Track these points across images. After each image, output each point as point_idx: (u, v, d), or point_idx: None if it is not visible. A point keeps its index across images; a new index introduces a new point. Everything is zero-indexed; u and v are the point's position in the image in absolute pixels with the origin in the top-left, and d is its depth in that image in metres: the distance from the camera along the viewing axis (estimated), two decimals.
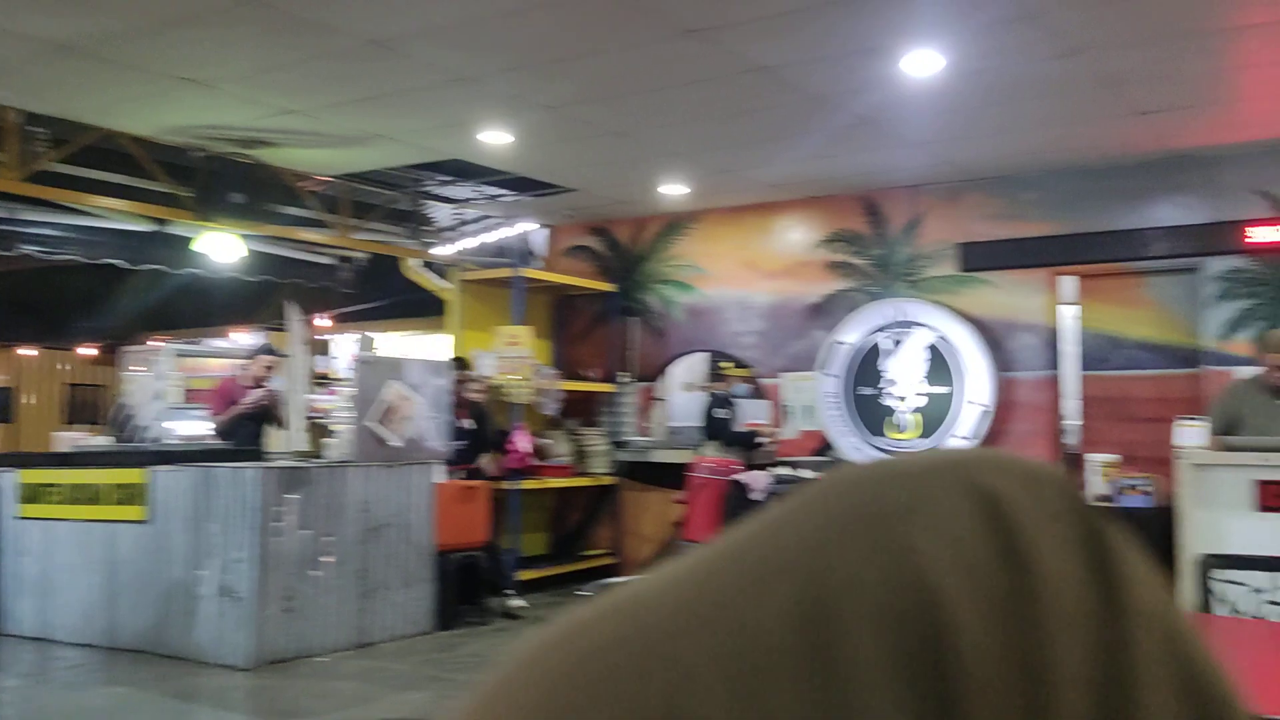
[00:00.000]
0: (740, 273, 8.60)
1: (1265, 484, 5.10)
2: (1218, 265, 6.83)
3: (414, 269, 8.77)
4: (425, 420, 6.72)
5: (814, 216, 8.28)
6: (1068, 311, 7.48)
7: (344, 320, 11.13)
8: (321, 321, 10.87)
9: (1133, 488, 5.61)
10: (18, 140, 6.16)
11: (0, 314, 12.70)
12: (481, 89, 5.48)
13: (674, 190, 8.03)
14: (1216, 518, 5.16)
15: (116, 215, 7.09)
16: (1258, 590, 3.42)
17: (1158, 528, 5.46)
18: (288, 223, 7.53)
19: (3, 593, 6.64)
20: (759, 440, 7.77)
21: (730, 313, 8.64)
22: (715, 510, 7.22)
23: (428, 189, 8.04)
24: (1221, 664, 0.31)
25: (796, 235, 8.37)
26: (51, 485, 6.55)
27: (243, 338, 11.68)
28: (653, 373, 9.00)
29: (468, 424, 7.56)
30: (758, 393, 8.28)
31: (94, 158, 6.52)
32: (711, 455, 7.67)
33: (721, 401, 7.78)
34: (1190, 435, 5.37)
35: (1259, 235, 6.62)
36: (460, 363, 7.73)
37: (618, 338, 9.07)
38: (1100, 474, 5.82)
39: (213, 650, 5.69)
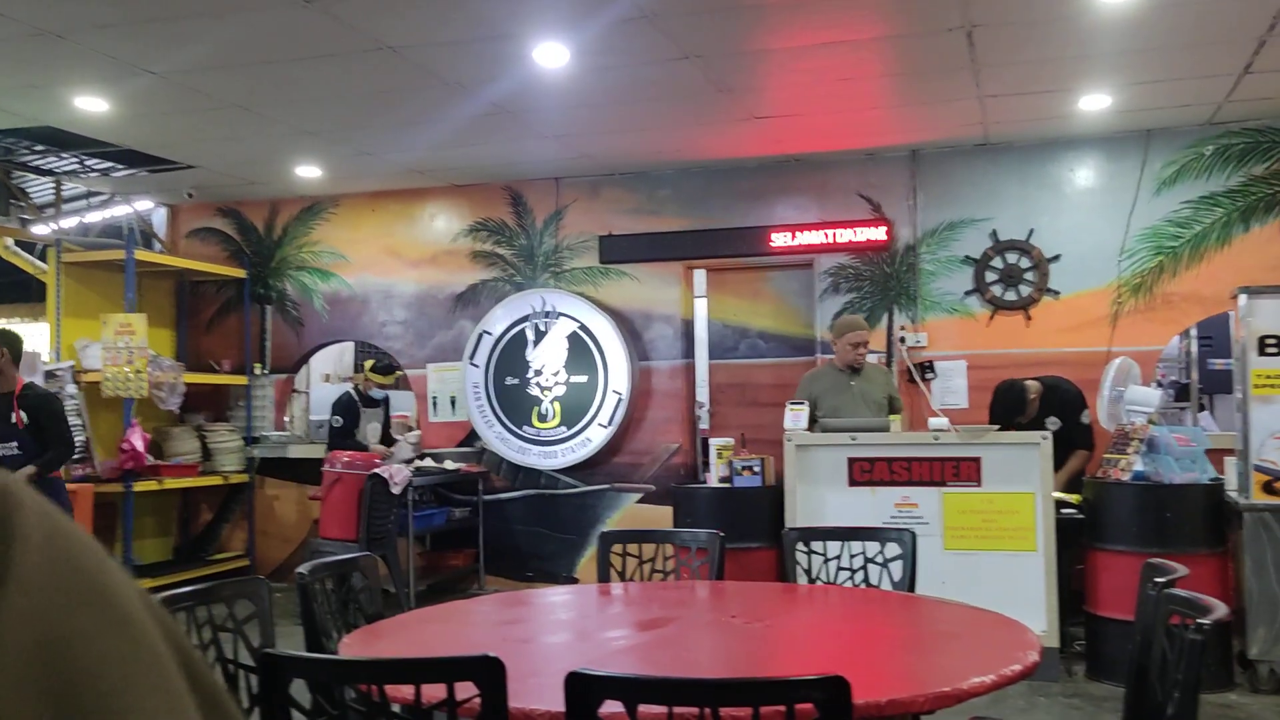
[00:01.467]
0: (384, 260, 8.44)
1: (856, 461, 5.68)
2: (827, 261, 7.46)
3: (8, 248, 7.83)
4: None
5: (459, 204, 8.26)
6: (700, 303, 7.93)
7: None
8: None
9: (747, 469, 6.02)
10: None
11: None
12: (68, 46, 4.96)
13: (309, 172, 7.73)
14: (817, 493, 5.73)
15: None
16: (833, 558, 3.77)
17: (768, 505, 5.89)
18: None
19: None
20: (371, 445, 7.71)
21: (374, 301, 8.47)
22: (354, 506, 7.05)
23: (21, 159, 7.20)
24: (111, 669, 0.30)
25: (441, 223, 8.33)
26: None
27: None
28: (291, 364, 8.67)
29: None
30: (403, 384, 8.25)
31: None
32: (352, 449, 7.50)
33: (346, 405, 7.68)
34: (794, 418, 5.84)
35: (780, 240, 7.44)
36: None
37: (252, 327, 8.63)
38: (718, 457, 6.19)
39: None
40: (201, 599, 2.62)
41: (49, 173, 7.62)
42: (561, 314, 7.90)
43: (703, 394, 7.94)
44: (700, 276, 7.94)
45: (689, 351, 7.87)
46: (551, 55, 5.25)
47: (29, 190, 8.03)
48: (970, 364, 7.13)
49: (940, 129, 6.79)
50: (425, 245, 8.33)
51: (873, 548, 3.68)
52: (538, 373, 7.95)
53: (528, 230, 8.11)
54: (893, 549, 3.62)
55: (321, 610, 2.79)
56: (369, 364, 7.88)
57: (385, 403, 8.04)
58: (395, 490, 7.03)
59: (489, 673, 1.83)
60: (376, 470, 7.04)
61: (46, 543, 0.31)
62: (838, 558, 3.75)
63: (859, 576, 3.66)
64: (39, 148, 6.89)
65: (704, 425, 7.87)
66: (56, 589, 0.31)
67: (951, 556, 5.43)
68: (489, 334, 8.05)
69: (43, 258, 7.88)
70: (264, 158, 7.30)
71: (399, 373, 8.10)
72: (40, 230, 7.95)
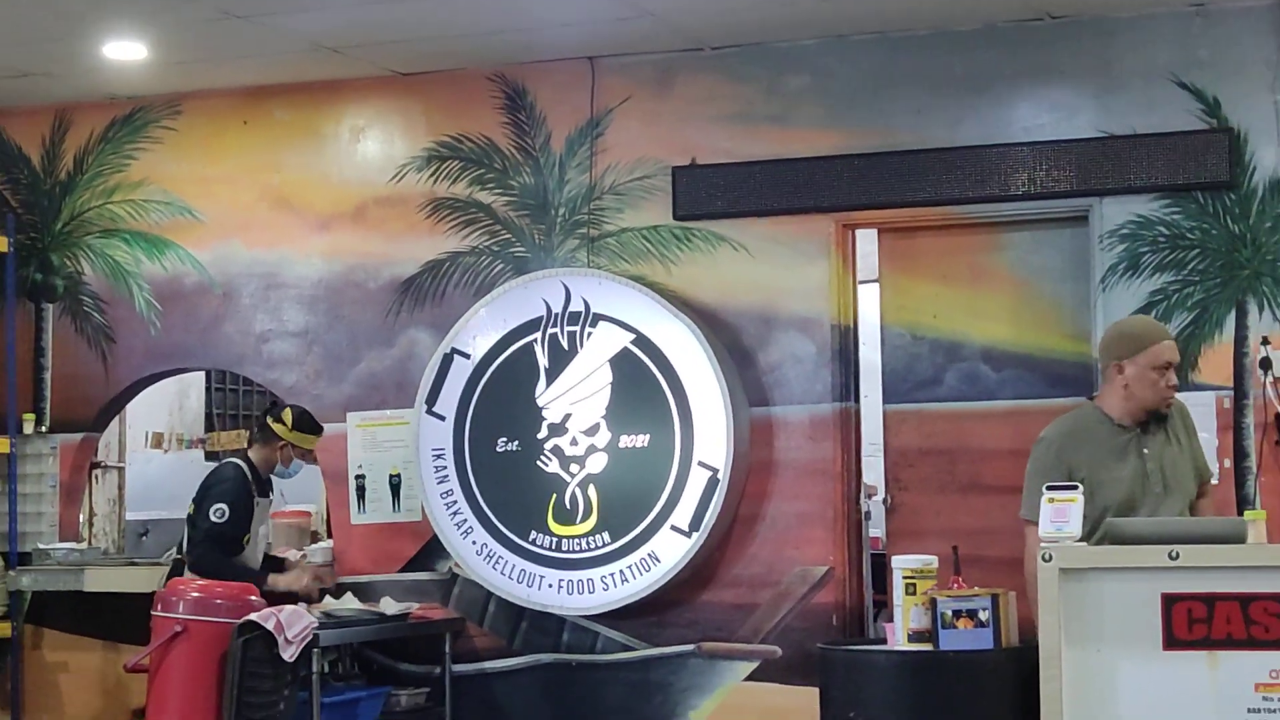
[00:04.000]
0: (267, 216, 7.77)
1: (1175, 600, 4.74)
2: (1116, 212, 6.57)
3: None
4: None
5: (408, 111, 7.68)
6: (867, 294, 7.30)
7: None
8: None
9: (967, 616, 5.34)
10: None
11: None
12: None
13: (127, 52, 7.14)
14: (1103, 663, 4.81)
15: None
16: None
17: (1011, 686, 5.24)
18: None
19: None
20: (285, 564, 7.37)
21: (248, 293, 7.79)
22: (209, 684, 6.37)
23: None
24: None
25: (374, 147, 7.71)
26: None
27: None
28: (94, 414, 8.02)
29: None
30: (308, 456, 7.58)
31: None
32: (207, 579, 6.81)
33: (233, 488, 6.97)
34: (1059, 515, 5.11)
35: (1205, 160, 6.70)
36: None
37: (17, 345, 7.95)
38: (908, 592, 5.49)
39: None
40: None
41: None
42: (601, 317, 7.10)
43: (875, 468, 7.26)
44: (869, 241, 7.19)
45: (847, 389, 7.02)
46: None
47: None
48: None
49: None
50: (344, 189, 7.71)
51: None
52: (556, 428, 7.11)
53: (536, 159, 7.44)
54: None
55: None
56: (288, 413, 7.26)
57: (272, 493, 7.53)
58: (287, 654, 6.35)
59: None
60: (253, 616, 6.39)
61: None
62: None
63: None
64: None
65: (878, 532, 7.20)
66: None
67: None
68: (464, 356, 7.28)
69: None
70: (45, 27, 6.86)
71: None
72: None
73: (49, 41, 7.01)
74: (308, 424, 7.21)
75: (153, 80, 7.64)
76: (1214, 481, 5.82)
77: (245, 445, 7.72)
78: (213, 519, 6.87)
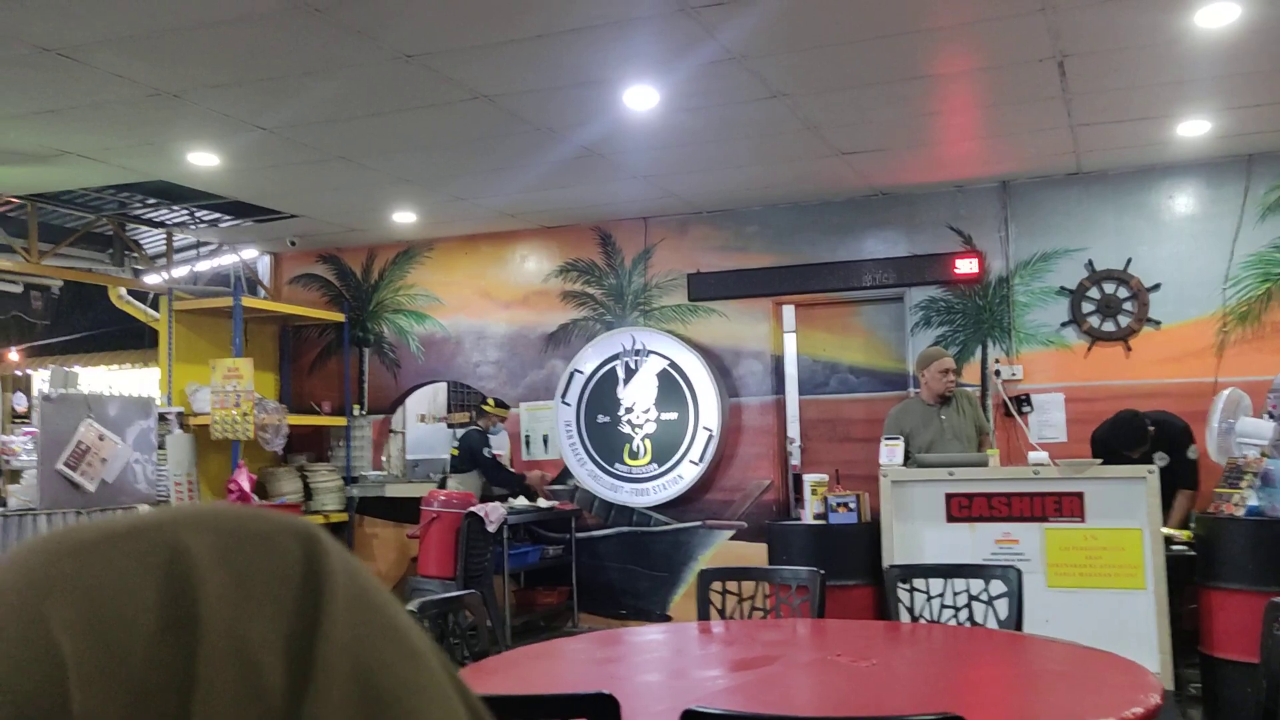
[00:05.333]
0: (477, 302, 8.54)
1: (953, 496, 5.59)
2: (918, 295, 7.37)
3: (122, 298, 8.18)
4: (127, 462, 6.23)
5: (549, 246, 8.33)
6: (789, 338, 7.90)
7: (42, 353, 10.19)
8: (13, 355, 9.88)
9: (842, 505, 5.97)
10: None
11: None
12: (184, 106, 5.19)
13: (405, 218, 7.87)
14: (914, 529, 5.64)
15: None
16: (936, 596, 3.72)
17: (865, 542, 5.84)
18: None
19: None
20: (527, 480, 7.85)
21: (467, 342, 8.55)
22: (451, 544, 7.12)
23: (134, 212, 7.52)
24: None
25: (532, 264, 8.40)
26: None
27: None
28: (388, 405, 8.78)
29: None
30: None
31: None
32: (450, 488, 7.59)
33: (483, 439, 7.74)
34: (890, 454, 5.78)
35: (963, 267, 7.25)
36: None
37: (350, 369, 8.80)
38: (812, 493, 6.14)
39: None
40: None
41: (161, 225, 7.91)
42: (651, 351, 7.90)
43: (794, 430, 7.88)
44: (789, 312, 7.90)
45: (779, 387, 7.82)
46: (641, 98, 5.31)
47: (141, 242, 8.31)
48: (1068, 396, 6.96)
49: (1031, 159, 6.68)
50: (517, 286, 8.41)
51: (976, 585, 3.62)
52: (628, 410, 7.95)
53: (616, 269, 8.15)
54: (997, 586, 3.56)
55: None
56: (491, 401, 7.90)
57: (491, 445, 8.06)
58: (491, 528, 7.07)
59: (605, 711, 1.84)
60: (473, 509, 7.09)
61: (350, 582, 0.35)
62: (941, 595, 3.69)
63: (963, 615, 3.59)
64: (152, 201, 7.17)
65: (795, 461, 7.80)
66: (362, 623, 0.34)
67: (1055, 594, 5.30)
68: (580, 372, 8.09)
69: (154, 306, 8.17)
70: (363, 205, 7.46)
71: (509, 411, 8.14)
72: (152, 280, 8.23)
73: (365, 213, 7.68)
74: (502, 405, 7.97)
75: (418, 231, 8.30)
76: (989, 434, 6.50)
77: (469, 420, 8.26)
78: (484, 455, 7.68)
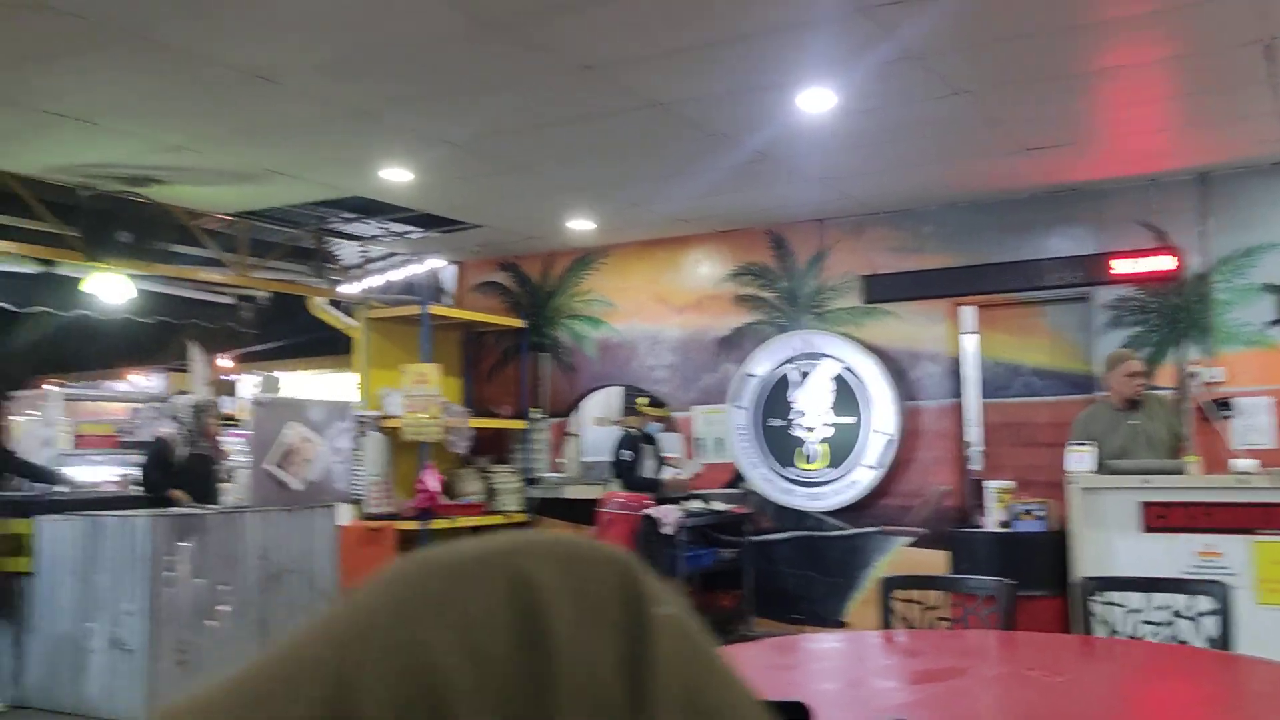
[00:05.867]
0: (651, 307, 8.62)
1: (1150, 505, 5.29)
2: (1107, 294, 7.04)
3: (321, 307, 8.66)
4: (328, 462, 6.61)
5: (722, 250, 8.34)
6: (968, 340, 7.66)
7: (249, 360, 10.88)
8: (224, 362, 10.59)
9: (1027, 513, 5.78)
10: None
11: None
12: (378, 123, 5.46)
13: (581, 225, 8.01)
14: (1106, 539, 5.37)
15: (2, 258, 6.87)
16: (1135, 610, 3.54)
17: (1051, 551, 5.63)
18: (183, 262, 7.38)
19: None
20: (662, 481, 7.76)
21: (642, 347, 8.63)
22: (627, 546, 7.20)
23: (332, 226, 7.95)
24: None
25: (705, 269, 8.42)
26: None
27: (141, 380, 11.31)
28: (565, 408, 8.95)
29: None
30: (670, 426, 8.30)
31: None
32: (622, 491, 7.67)
33: (629, 441, 7.73)
34: (1079, 460, 5.53)
35: (1124, 267, 6.88)
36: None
37: (528, 374, 9.00)
38: (997, 500, 5.95)
39: (105, 705, 5.52)
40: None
41: (356, 238, 8.32)
42: (825, 355, 7.84)
43: (973, 434, 7.62)
44: (968, 313, 7.67)
45: (957, 390, 7.60)
46: (816, 100, 5.27)
47: (338, 254, 8.77)
48: (1277, 400, 6.53)
49: (1232, 149, 6.33)
50: (690, 291, 8.44)
51: (1179, 600, 3.41)
52: (802, 414, 7.91)
53: (790, 273, 8.10)
54: (1203, 602, 3.34)
55: None
56: (643, 401, 7.97)
57: (654, 442, 8.08)
58: (666, 531, 7.10)
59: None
60: (648, 511, 7.16)
61: (666, 605, 0.37)
62: (1139, 610, 3.49)
63: (1165, 632, 3.39)
64: (349, 215, 7.56)
65: (975, 466, 7.55)
66: (683, 645, 0.36)
67: (1266, 612, 4.94)
68: (753, 376, 8.08)
69: (349, 314, 8.60)
70: (540, 214, 7.62)
71: (668, 409, 8.17)
72: (348, 290, 8.66)
73: (543, 222, 7.85)
74: (657, 404, 7.99)
75: (594, 239, 8.41)
76: (1186, 440, 6.15)
77: (634, 421, 7.95)
78: (621, 458, 7.64)
